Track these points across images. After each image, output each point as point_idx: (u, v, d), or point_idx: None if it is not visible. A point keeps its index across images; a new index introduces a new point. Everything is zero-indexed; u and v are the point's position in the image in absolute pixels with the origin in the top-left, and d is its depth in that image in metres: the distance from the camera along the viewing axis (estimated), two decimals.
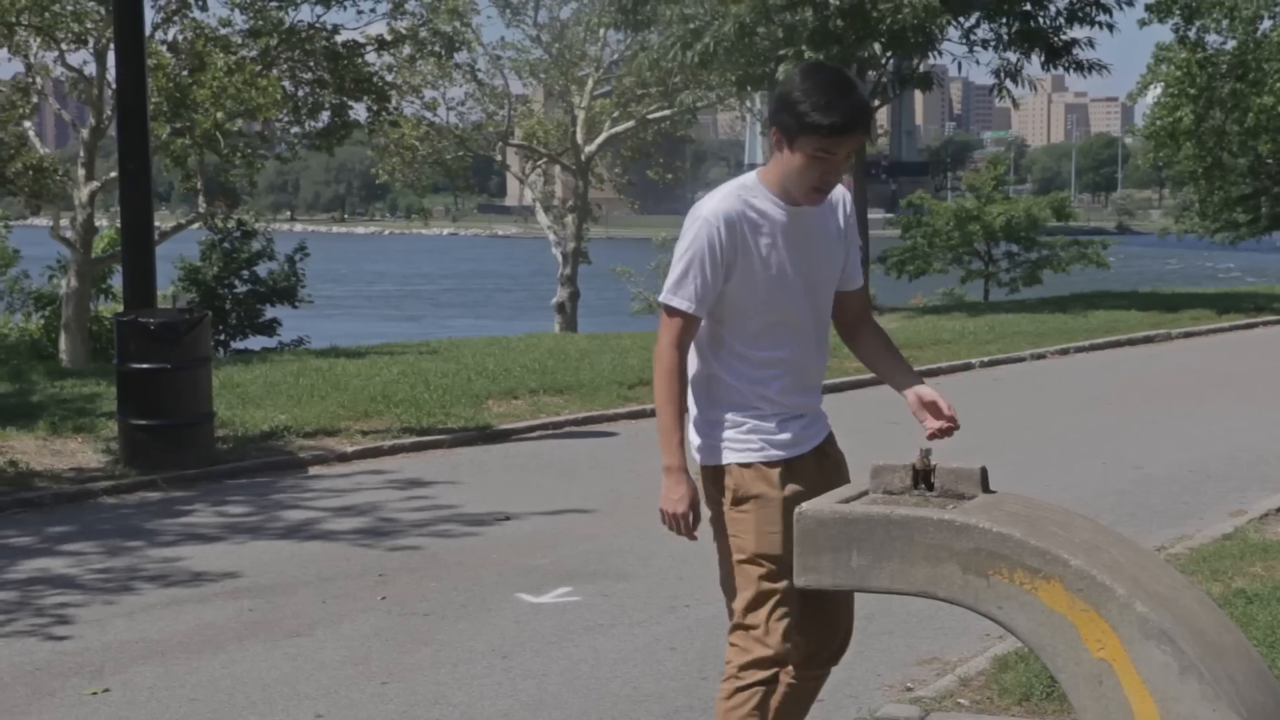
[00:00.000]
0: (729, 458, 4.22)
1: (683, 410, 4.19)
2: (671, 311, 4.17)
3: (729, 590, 4.29)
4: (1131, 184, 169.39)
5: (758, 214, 4.17)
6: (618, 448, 12.20)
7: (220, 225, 29.45)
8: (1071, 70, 26.93)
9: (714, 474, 4.26)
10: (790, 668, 4.30)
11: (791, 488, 4.17)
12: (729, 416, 4.23)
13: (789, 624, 4.19)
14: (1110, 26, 26.26)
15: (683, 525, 4.18)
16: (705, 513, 4.26)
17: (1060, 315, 23.46)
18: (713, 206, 4.17)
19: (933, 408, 4.22)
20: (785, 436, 4.22)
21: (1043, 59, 26.28)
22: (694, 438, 4.29)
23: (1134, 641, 3.27)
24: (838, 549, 3.55)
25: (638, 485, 10.09)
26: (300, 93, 25.69)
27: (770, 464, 4.19)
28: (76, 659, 6.73)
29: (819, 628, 4.34)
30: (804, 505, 3.62)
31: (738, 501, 4.21)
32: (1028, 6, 25.87)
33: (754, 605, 4.19)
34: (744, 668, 4.21)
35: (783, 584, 4.11)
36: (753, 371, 4.23)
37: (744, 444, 4.21)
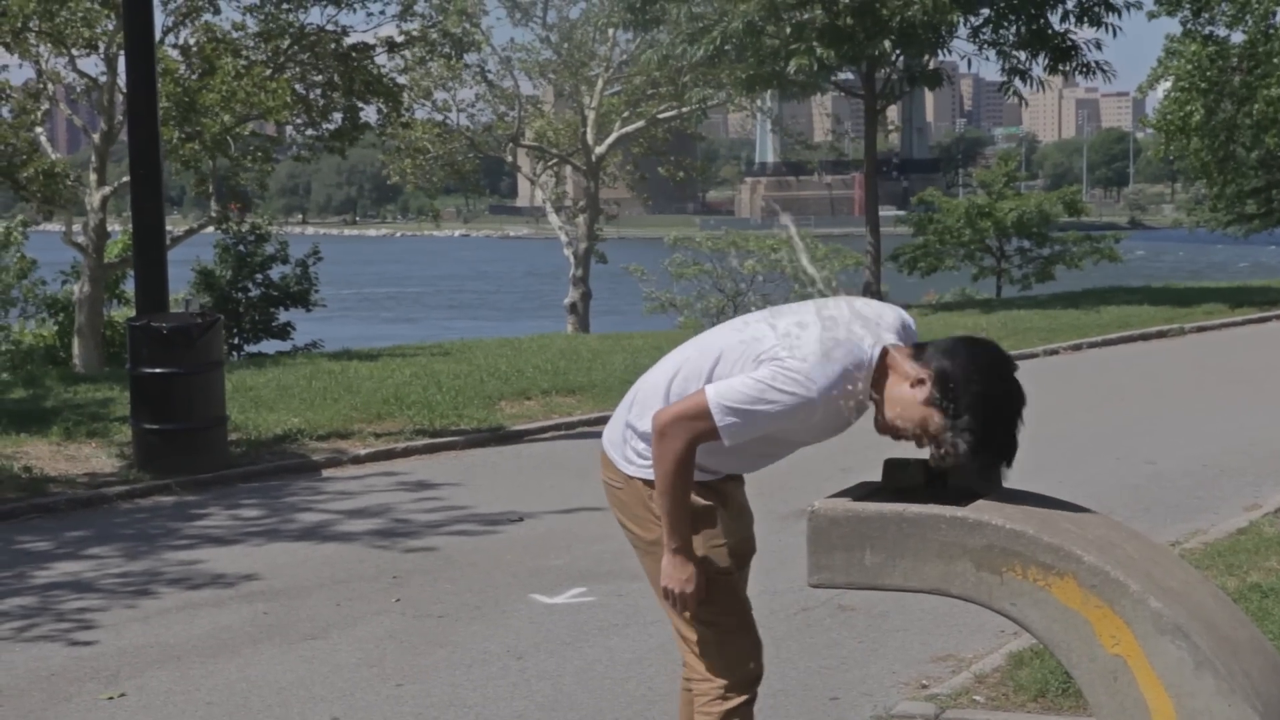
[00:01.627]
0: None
1: (690, 495, 3.98)
2: (705, 416, 3.82)
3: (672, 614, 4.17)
4: (1144, 179, 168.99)
5: (852, 400, 3.83)
6: None
7: (234, 229, 29.48)
8: (1078, 73, 26.94)
9: (642, 487, 4.11)
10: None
11: (744, 503, 4.21)
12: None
13: (754, 634, 4.18)
14: (1116, 30, 26.28)
15: (689, 603, 4.02)
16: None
17: (1073, 311, 23.42)
18: (824, 386, 3.76)
19: None
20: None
21: (1048, 61, 26.29)
22: (630, 453, 4.13)
23: (1148, 637, 3.27)
24: (850, 547, 3.55)
25: None
26: (311, 95, 25.71)
27: (718, 478, 4.09)
28: (92, 664, 6.74)
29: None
30: (817, 504, 3.62)
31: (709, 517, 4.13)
32: (1036, 5, 25.87)
33: (722, 624, 4.16)
34: (728, 689, 4.10)
35: (744, 598, 4.19)
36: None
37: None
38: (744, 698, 4.10)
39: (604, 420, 13.27)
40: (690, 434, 3.85)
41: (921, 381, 3.68)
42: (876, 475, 3.80)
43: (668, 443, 3.88)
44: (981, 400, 3.60)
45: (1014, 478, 3.74)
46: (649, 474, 4.04)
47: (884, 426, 3.80)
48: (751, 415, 3.79)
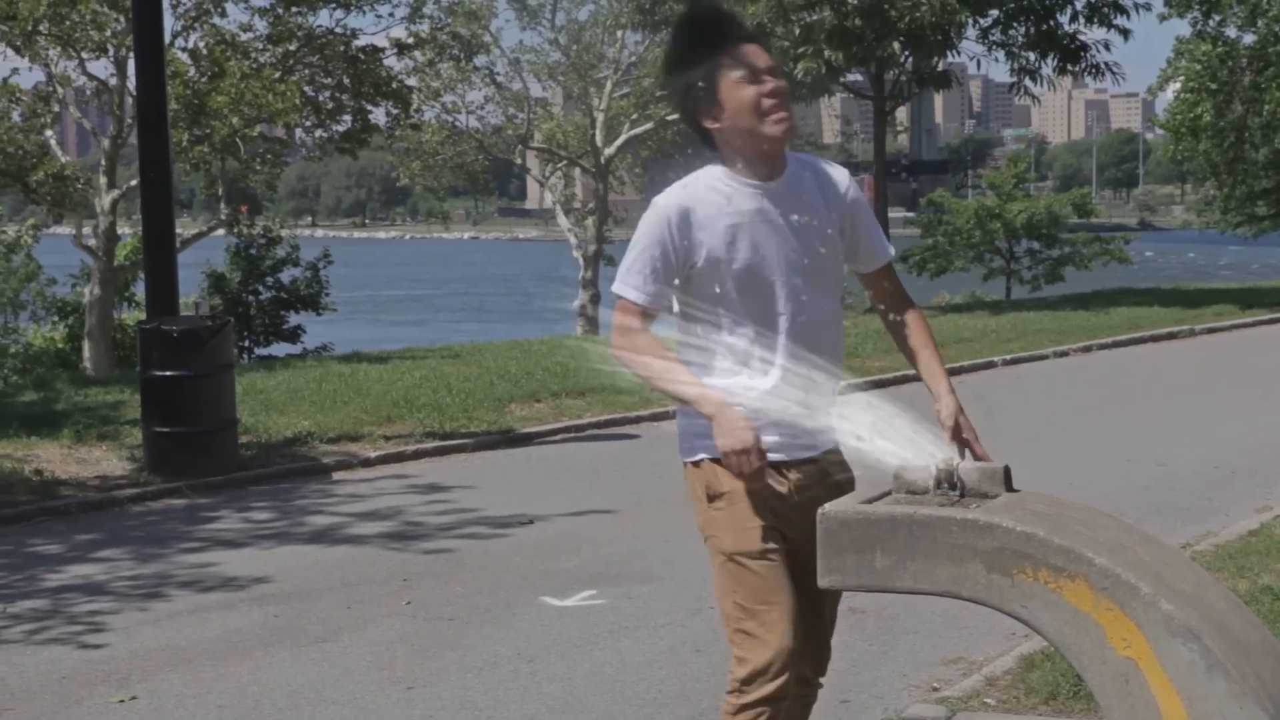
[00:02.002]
0: (699, 453, 3.98)
1: (678, 366, 3.88)
2: (621, 302, 3.92)
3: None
4: (1153, 180, 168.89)
5: (720, 196, 3.92)
6: (640, 450, 12.20)
7: (245, 232, 29.54)
8: (1087, 75, 26.93)
9: (691, 471, 4.02)
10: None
11: (770, 489, 3.90)
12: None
13: (788, 621, 3.90)
14: (1126, 31, 26.26)
15: (755, 454, 3.75)
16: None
17: (1082, 312, 23.41)
18: (668, 194, 3.94)
19: (954, 433, 3.93)
20: (770, 438, 3.86)
21: (1057, 61, 26.28)
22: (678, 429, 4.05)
23: (1160, 639, 3.26)
24: (861, 550, 3.54)
25: (661, 487, 10.09)
26: (320, 98, 25.76)
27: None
28: (103, 667, 6.75)
29: (811, 636, 4.08)
30: (826, 506, 3.61)
31: (711, 499, 3.97)
32: (1044, 7, 25.86)
33: (743, 609, 3.93)
34: (746, 681, 3.89)
35: (770, 579, 3.90)
36: (718, 367, 3.92)
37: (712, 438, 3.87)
38: (759, 694, 3.87)
39: (614, 422, 13.29)
40: (624, 325, 3.90)
41: (709, 116, 3.95)
42: (887, 479, 3.79)
43: (626, 351, 3.89)
44: (681, 54, 3.94)
45: (1024, 480, 3.74)
46: (684, 454, 4.00)
47: (771, 127, 3.89)
48: (634, 260, 3.90)
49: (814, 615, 4.06)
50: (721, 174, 3.96)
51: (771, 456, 3.85)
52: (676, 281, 3.92)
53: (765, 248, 3.91)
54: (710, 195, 3.92)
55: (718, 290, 3.90)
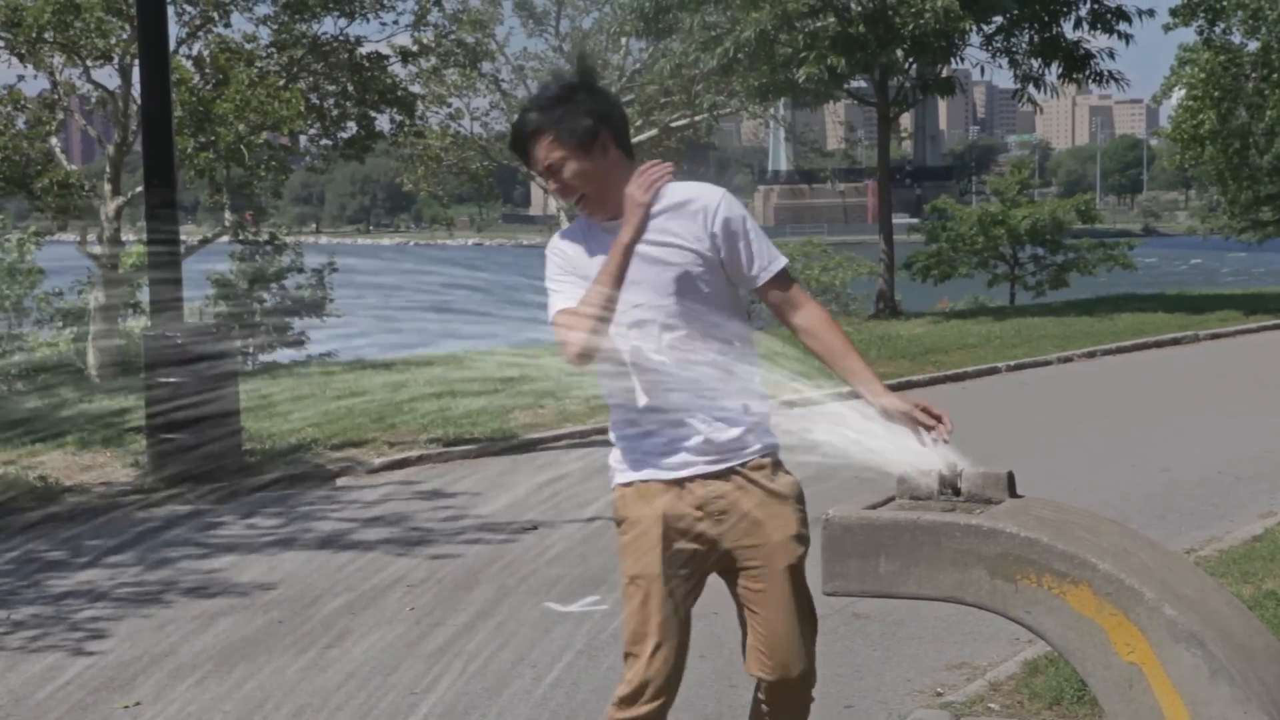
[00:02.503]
0: (614, 479, 4.21)
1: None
2: (559, 318, 4.10)
3: None
4: (1157, 186, 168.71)
5: (582, 239, 4.17)
6: None
7: (250, 237, 29.54)
8: (1090, 82, 26.96)
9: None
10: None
11: (673, 509, 4.09)
12: (614, 436, 4.22)
13: (663, 654, 4.12)
14: (1128, 37, 26.27)
15: (657, 173, 4.09)
16: None
17: (1087, 318, 23.40)
18: (554, 240, 4.23)
19: (906, 416, 3.96)
20: (668, 458, 4.10)
21: (1061, 69, 26.29)
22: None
23: (1164, 645, 3.27)
24: (865, 555, 3.55)
25: None
26: (325, 105, 25.75)
27: (646, 482, 4.12)
28: (108, 673, 6.76)
29: (756, 640, 4.24)
30: (831, 512, 3.62)
31: (618, 524, 4.21)
32: (1048, 14, 25.88)
33: (633, 633, 4.15)
34: (624, 701, 4.15)
35: (660, 611, 4.10)
36: (617, 399, 4.15)
37: (621, 464, 4.19)
38: (628, 715, 4.14)
39: None
40: (562, 325, 4.08)
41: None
42: (891, 485, 3.80)
43: (569, 321, 4.07)
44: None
45: (1028, 485, 3.75)
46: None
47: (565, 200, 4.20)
48: (553, 292, 4.12)
49: (769, 612, 4.17)
50: (582, 220, 4.21)
51: (671, 475, 4.08)
52: None
53: (625, 286, 4.04)
54: (575, 242, 4.17)
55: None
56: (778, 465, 4.16)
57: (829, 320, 4.21)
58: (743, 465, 4.10)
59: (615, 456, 4.20)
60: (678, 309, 4.06)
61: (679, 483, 4.09)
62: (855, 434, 3.88)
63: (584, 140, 4.06)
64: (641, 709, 4.12)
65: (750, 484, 4.10)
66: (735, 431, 4.08)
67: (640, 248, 4.04)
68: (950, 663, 6.59)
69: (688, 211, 4.10)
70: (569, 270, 4.12)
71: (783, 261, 4.20)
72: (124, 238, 26.35)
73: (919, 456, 3.77)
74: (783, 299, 4.19)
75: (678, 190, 4.14)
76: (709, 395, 4.05)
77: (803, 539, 4.13)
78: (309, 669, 6.75)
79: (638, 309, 4.05)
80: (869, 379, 4.06)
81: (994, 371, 17.96)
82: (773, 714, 4.29)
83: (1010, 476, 3.66)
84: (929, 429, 3.90)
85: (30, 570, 8.86)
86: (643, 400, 4.07)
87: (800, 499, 4.17)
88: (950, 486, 3.67)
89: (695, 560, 4.13)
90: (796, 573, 4.14)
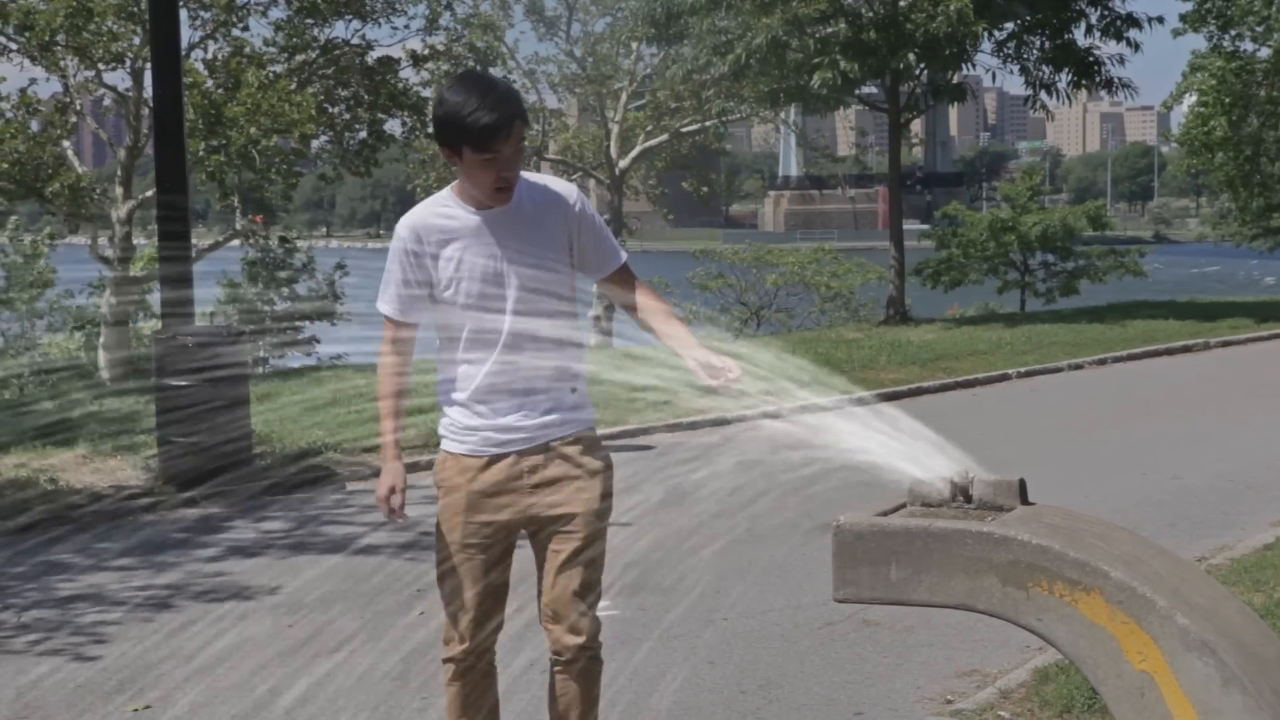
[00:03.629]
0: (441, 444, 4.66)
1: (395, 406, 4.70)
2: (384, 317, 4.59)
3: None
4: (1168, 192, 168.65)
5: (448, 219, 4.47)
6: (654, 461, 12.18)
7: (262, 241, 29.58)
8: (1101, 90, 26.96)
9: None
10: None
11: (486, 482, 4.53)
12: (444, 407, 4.63)
13: (470, 615, 4.65)
14: (1137, 45, 26.27)
15: (385, 506, 4.68)
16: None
17: (1097, 325, 23.37)
18: (404, 219, 4.54)
19: (706, 367, 4.32)
20: (492, 432, 4.53)
21: (1072, 76, 26.28)
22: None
23: (1176, 653, 3.26)
24: (876, 562, 3.54)
25: (674, 499, 10.10)
26: (336, 109, 25.79)
27: (470, 455, 4.56)
28: (118, 676, 6.76)
29: (549, 600, 4.65)
30: (842, 518, 3.61)
31: (438, 487, 4.66)
32: (1060, 20, 25.86)
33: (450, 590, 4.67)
34: (445, 641, 4.73)
35: (460, 574, 4.62)
36: (456, 370, 4.54)
37: (447, 432, 4.63)
38: (446, 654, 4.72)
39: (627, 433, 13.24)
40: (384, 337, 4.66)
41: (448, 156, 4.42)
42: (903, 492, 3.79)
43: (381, 360, 4.70)
44: (450, 106, 4.33)
45: (1039, 492, 3.74)
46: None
47: (492, 197, 4.41)
48: (386, 280, 4.57)
49: (564, 578, 4.63)
50: (448, 197, 4.51)
51: (492, 450, 4.52)
52: (429, 294, 4.51)
53: (481, 265, 4.43)
54: (435, 219, 4.48)
55: (448, 303, 4.48)
56: (592, 440, 4.60)
57: (661, 296, 4.64)
58: (559, 440, 4.52)
59: (444, 424, 4.63)
60: (520, 297, 4.43)
61: (498, 457, 4.52)
62: (865, 440, 3.92)
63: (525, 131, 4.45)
64: (453, 650, 4.71)
65: (563, 459, 4.52)
66: (557, 410, 4.53)
67: (489, 239, 4.41)
68: (961, 670, 6.58)
69: (543, 205, 4.47)
70: (411, 265, 4.50)
71: (624, 256, 4.63)
72: (135, 241, 26.41)
73: (928, 463, 3.78)
74: (625, 288, 4.61)
75: (535, 186, 4.51)
76: (537, 373, 4.47)
77: (602, 510, 4.58)
78: (318, 673, 6.75)
79: (486, 296, 4.43)
80: (690, 342, 4.45)
81: (1005, 378, 17.93)
82: (565, 676, 4.69)
83: (1022, 483, 3.65)
84: (717, 379, 4.30)
85: (38, 572, 8.87)
86: (473, 374, 4.49)
87: (609, 472, 4.61)
88: (962, 493, 3.67)
89: (505, 528, 4.60)
90: (593, 541, 4.58)
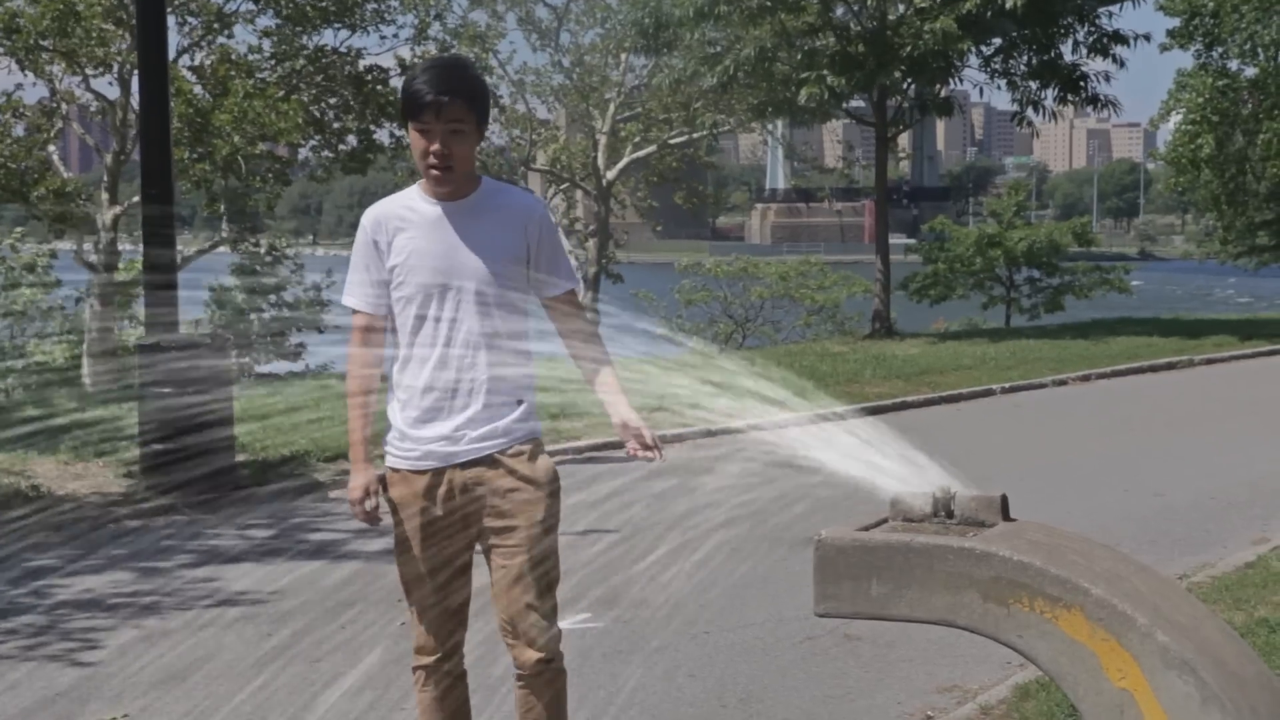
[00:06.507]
0: (387, 459, 4.61)
1: (365, 404, 4.59)
2: (352, 311, 4.53)
3: None
4: (1154, 209, 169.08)
5: (406, 210, 4.45)
6: (637, 473, 12.17)
7: (249, 249, 29.53)
8: (1086, 105, 27.06)
9: None
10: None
11: (434, 498, 4.52)
12: (389, 413, 4.60)
13: (435, 626, 4.75)
14: (1123, 61, 26.37)
15: (359, 509, 4.60)
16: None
17: (1082, 341, 23.42)
18: (368, 210, 4.54)
19: (637, 436, 4.50)
20: (437, 445, 4.50)
21: (1057, 92, 26.36)
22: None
23: (1155, 671, 3.26)
24: (857, 577, 3.54)
25: (658, 510, 10.08)
26: (325, 117, 25.77)
27: (415, 471, 4.53)
28: (97, 684, 6.74)
29: (504, 616, 4.70)
30: (824, 533, 3.61)
31: (390, 504, 4.62)
32: (1046, 36, 25.94)
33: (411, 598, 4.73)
34: (415, 650, 4.84)
35: (423, 588, 4.66)
36: (402, 375, 4.50)
37: (392, 446, 4.60)
38: (415, 663, 4.86)
39: (611, 445, 13.22)
40: (353, 327, 4.53)
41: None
42: (884, 507, 3.79)
43: (350, 352, 4.55)
44: (408, 77, 4.40)
45: (1022, 509, 3.74)
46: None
47: (427, 174, 4.41)
48: (351, 271, 4.52)
49: (516, 591, 4.66)
50: (414, 190, 4.50)
51: (436, 464, 4.49)
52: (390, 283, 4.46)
53: (433, 256, 4.39)
54: (398, 209, 4.47)
55: (400, 293, 4.44)
56: (536, 452, 4.58)
57: (601, 351, 4.73)
58: (503, 452, 4.50)
59: (390, 436, 4.59)
60: (471, 294, 4.39)
61: (441, 470, 4.49)
62: (846, 454, 3.93)
63: (483, 116, 4.40)
64: (420, 659, 4.86)
65: (507, 471, 4.50)
66: (502, 420, 4.50)
67: (449, 232, 4.37)
68: (941, 685, 6.58)
69: (506, 211, 4.45)
70: (374, 255, 4.47)
71: (572, 285, 4.63)
72: (120, 247, 26.36)
73: (910, 479, 3.79)
74: (566, 317, 4.61)
75: (502, 191, 4.52)
76: (480, 375, 4.44)
77: (548, 522, 4.58)
78: (298, 682, 6.73)
79: (435, 289, 4.39)
80: (619, 399, 4.67)
81: (989, 393, 17.95)
82: (528, 690, 4.69)
83: (1004, 499, 3.65)
84: (642, 452, 4.52)
85: (21, 579, 8.83)
86: (417, 372, 4.43)
87: (554, 483, 4.60)
88: (943, 509, 3.67)
89: (458, 541, 4.58)
90: (542, 554, 4.59)
